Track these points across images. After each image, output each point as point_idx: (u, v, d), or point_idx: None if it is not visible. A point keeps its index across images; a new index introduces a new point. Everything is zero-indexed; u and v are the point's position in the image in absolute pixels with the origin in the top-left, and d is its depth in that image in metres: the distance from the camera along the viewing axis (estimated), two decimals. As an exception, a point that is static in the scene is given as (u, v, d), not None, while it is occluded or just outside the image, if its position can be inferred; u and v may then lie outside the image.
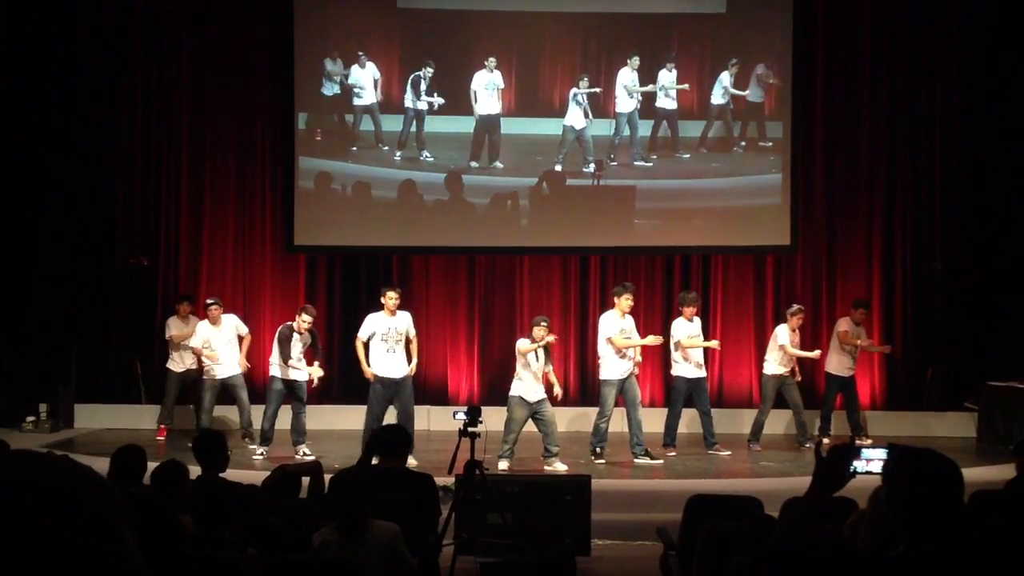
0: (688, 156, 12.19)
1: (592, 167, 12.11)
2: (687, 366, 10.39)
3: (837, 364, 11.06)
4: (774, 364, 10.82)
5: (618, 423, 10.25)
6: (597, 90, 11.98)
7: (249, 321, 11.63)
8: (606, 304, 11.75)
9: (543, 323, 9.63)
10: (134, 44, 12.28)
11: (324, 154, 12.24)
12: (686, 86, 12.07)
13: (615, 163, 12.14)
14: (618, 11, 12.24)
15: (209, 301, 10.78)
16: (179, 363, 11.31)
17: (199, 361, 11.08)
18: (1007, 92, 12.00)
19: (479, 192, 12.21)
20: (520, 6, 12.29)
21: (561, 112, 12.11)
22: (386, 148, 12.18)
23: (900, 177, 12.27)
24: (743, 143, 12.20)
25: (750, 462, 10.26)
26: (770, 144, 12.19)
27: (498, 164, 12.12)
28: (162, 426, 11.27)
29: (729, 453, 10.42)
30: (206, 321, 10.65)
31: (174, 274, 12.35)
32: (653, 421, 10.60)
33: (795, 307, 10.97)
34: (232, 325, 10.73)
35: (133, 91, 12.29)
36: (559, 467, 9.38)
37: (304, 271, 12.51)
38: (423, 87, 12.00)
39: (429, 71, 12.00)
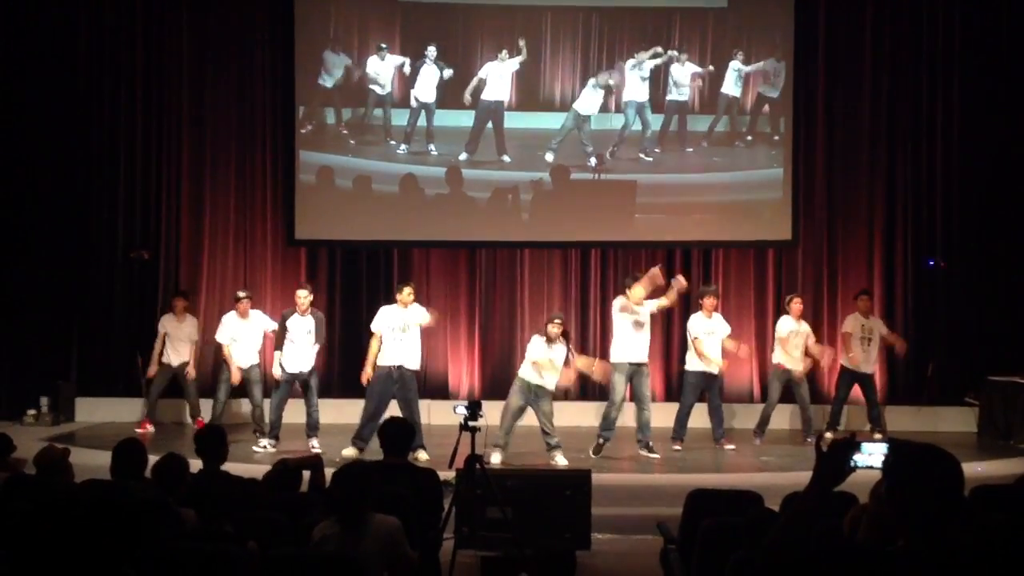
0: (691, 150, 12.20)
1: (593, 161, 12.11)
2: (698, 361, 10.35)
3: (854, 360, 11.03)
4: (780, 355, 10.82)
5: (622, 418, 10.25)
6: (611, 82, 11.98)
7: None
8: (607, 298, 11.75)
9: (556, 320, 9.63)
10: (134, 36, 12.29)
11: (325, 148, 12.24)
12: (710, 68, 12.06)
13: (612, 157, 12.12)
14: (619, 5, 12.23)
15: (241, 294, 10.76)
16: (175, 357, 11.30)
17: (197, 355, 11.26)
18: (1009, 86, 11.99)
19: (480, 186, 12.21)
20: (521, 0, 12.28)
21: (563, 106, 12.11)
22: (392, 142, 12.19)
23: (901, 172, 12.26)
24: (749, 137, 12.19)
25: (751, 457, 10.26)
26: (775, 138, 12.19)
27: (506, 158, 12.12)
28: (145, 420, 11.27)
29: (734, 447, 10.42)
30: (233, 313, 10.69)
31: (175, 268, 12.36)
32: (661, 415, 10.62)
33: (791, 296, 10.99)
34: (260, 322, 10.73)
35: (133, 84, 12.29)
36: (559, 460, 9.40)
37: (305, 265, 12.51)
38: (432, 63, 12.01)
39: (433, 51, 12.03)
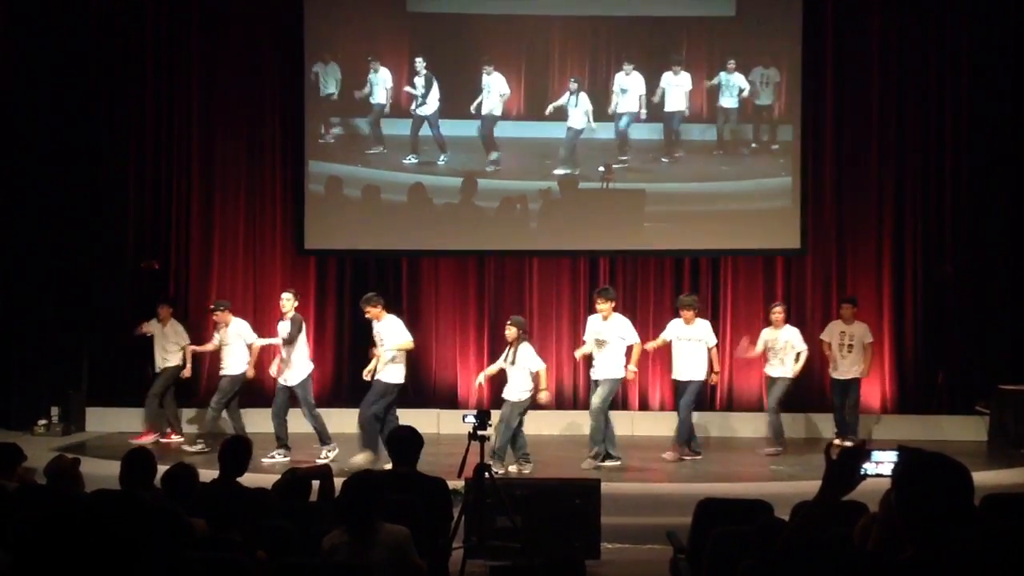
0: (699, 158, 12.17)
1: (602, 169, 12.12)
2: (675, 368, 10.41)
3: (835, 367, 11.13)
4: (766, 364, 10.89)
5: (627, 427, 10.27)
6: (581, 93, 12.00)
7: (259, 325, 11.63)
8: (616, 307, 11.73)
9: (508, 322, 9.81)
10: (145, 47, 12.34)
11: (334, 158, 12.26)
12: (707, 83, 12.06)
13: (620, 166, 12.12)
14: (626, 14, 12.23)
15: (211, 306, 10.92)
16: (160, 363, 11.31)
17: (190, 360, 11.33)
18: (1017, 94, 11.96)
19: (488, 195, 12.22)
20: (528, 10, 12.29)
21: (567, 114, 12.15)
22: (398, 152, 12.20)
23: (910, 179, 12.23)
24: (754, 145, 12.18)
25: (761, 466, 10.24)
26: (779, 147, 12.16)
27: (497, 166, 12.13)
28: (147, 429, 11.24)
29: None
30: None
31: (185, 278, 12.39)
32: (663, 425, 10.61)
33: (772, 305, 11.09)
34: (237, 331, 10.73)
35: (143, 95, 12.34)
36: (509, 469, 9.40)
37: (314, 274, 12.54)
38: (420, 85, 12.06)
39: (421, 64, 12.06)
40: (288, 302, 10.23)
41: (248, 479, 5.73)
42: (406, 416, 9.78)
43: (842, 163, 12.30)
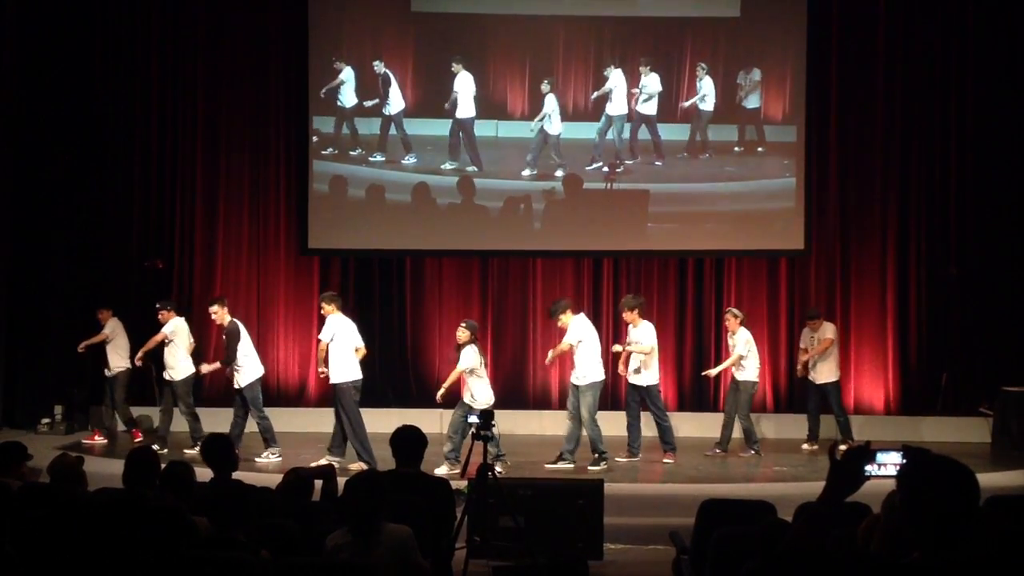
0: (703, 159, 12.15)
1: (605, 170, 12.12)
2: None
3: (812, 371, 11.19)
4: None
5: (621, 428, 10.29)
6: (551, 95, 12.01)
7: (263, 324, 11.68)
8: (619, 307, 11.75)
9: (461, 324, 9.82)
10: (149, 49, 12.36)
11: (338, 157, 12.27)
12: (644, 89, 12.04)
13: (621, 169, 12.11)
14: (632, 15, 12.23)
15: (157, 305, 10.86)
16: (120, 363, 11.27)
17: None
18: (1023, 96, 11.94)
19: (492, 195, 12.21)
20: (534, 10, 12.30)
21: (574, 115, 12.14)
22: (402, 151, 12.20)
23: (914, 181, 12.22)
24: (760, 149, 12.17)
25: (764, 466, 10.24)
26: (765, 149, 12.11)
27: (472, 168, 12.12)
28: (135, 429, 11.20)
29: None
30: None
31: (189, 277, 12.41)
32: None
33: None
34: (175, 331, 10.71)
35: (148, 95, 12.35)
36: (438, 469, 9.34)
37: (318, 274, 12.54)
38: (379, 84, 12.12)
39: (380, 65, 12.10)
40: (216, 315, 10.22)
41: (250, 478, 5.74)
42: (410, 416, 9.74)
43: (846, 164, 12.29)
